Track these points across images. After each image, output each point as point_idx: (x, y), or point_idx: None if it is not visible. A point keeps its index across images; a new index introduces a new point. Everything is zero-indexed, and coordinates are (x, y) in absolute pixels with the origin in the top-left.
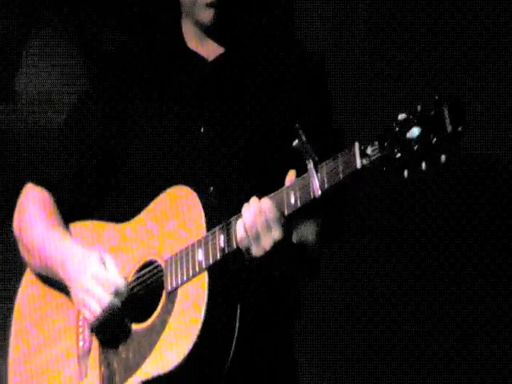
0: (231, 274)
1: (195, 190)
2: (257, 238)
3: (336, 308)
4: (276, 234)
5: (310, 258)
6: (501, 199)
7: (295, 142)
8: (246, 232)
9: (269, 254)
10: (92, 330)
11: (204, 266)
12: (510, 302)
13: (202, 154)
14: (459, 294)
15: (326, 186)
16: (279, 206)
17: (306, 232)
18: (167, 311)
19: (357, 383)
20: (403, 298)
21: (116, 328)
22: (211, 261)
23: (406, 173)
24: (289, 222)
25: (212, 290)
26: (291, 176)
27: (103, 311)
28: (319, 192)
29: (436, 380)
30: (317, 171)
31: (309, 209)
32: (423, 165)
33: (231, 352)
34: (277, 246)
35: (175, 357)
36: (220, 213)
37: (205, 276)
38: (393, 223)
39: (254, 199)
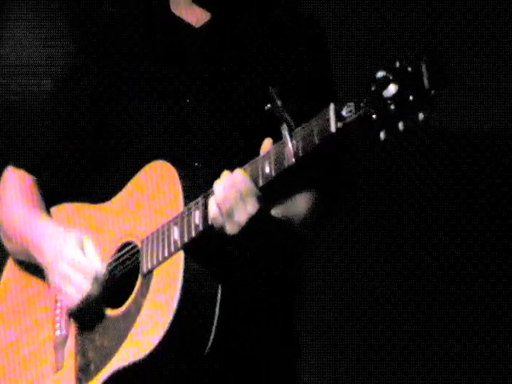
0: (210, 254)
1: (174, 164)
2: (230, 213)
3: (336, 308)
4: (251, 207)
5: (298, 235)
6: (503, 197)
7: (267, 106)
8: (219, 208)
9: (245, 231)
10: (70, 317)
11: (179, 245)
12: (510, 302)
13: (187, 126)
14: (459, 294)
15: (300, 152)
16: (253, 177)
17: (293, 207)
18: (142, 295)
19: (357, 383)
20: (403, 297)
21: (91, 315)
22: (186, 239)
23: (382, 134)
24: (265, 193)
25: (187, 271)
26: (267, 144)
27: (82, 299)
28: (293, 159)
29: (436, 380)
30: (291, 137)
31: (287, 179)
32: (400, 125)
33: (210, 339)
34: (253, 220)
35: (148, 344)
36: (202, 189)
37: (180, 256)
38: (393, 222)
39: (225, 173)
